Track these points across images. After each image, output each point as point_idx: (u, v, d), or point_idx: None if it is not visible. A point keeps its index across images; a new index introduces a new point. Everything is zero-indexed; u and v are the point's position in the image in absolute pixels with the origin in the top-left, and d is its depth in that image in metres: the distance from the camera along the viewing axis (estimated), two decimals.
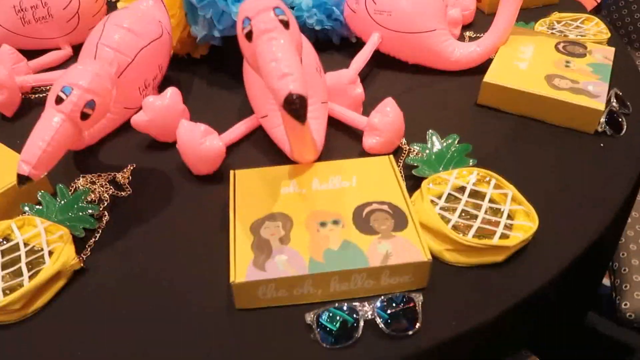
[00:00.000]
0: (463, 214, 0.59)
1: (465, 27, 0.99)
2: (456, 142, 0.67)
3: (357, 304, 0.51)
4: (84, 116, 0.53)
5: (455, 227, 0.57)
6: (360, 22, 0.87)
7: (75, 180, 0.68)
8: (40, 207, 0.61)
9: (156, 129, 0.71)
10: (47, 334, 0.51)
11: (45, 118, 0.51)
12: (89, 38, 0.71)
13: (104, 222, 0.63)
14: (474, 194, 0.61)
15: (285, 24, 0.49)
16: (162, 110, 0.69)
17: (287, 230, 0.55)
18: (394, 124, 0.67)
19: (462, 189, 0.62)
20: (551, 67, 0.79)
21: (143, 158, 0.72)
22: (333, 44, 0.95)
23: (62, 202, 0.62)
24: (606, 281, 0.98)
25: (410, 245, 0.53)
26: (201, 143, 0.64)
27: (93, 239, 0.60)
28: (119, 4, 0.88)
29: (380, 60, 0.87)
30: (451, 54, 0.84)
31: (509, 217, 0.59)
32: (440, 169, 0.65)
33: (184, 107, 0.72)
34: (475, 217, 0.59)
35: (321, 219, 0.56)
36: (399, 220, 0.56)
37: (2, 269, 0.54)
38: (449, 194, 0.61)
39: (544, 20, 0.96)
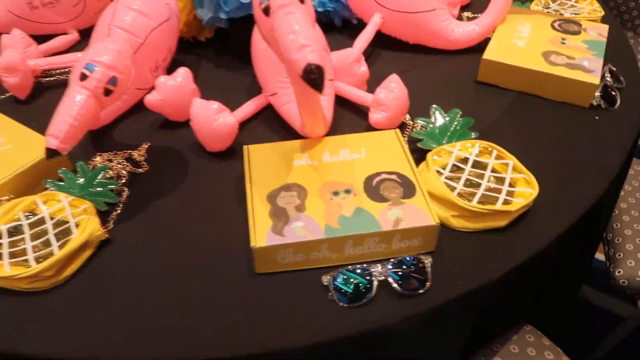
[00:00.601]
0: (467, 183, 0.62)
1: (464, 8, 1.01)
2: (458, 116, 0.70)
3: (370, 266, 0.54)
4: (107, 92, 0.55)
5: (460, 195, 0.60)
6: (362, 3, 0.89)
7: (93, 159, 0.70)
8: (62, 184, 0.64)
9: (169, 108, 0.73)
10: (77, 300, 0.54)
11: (70, 94, 0.54)
12: (100, 20, 0.73)
13: (124, 196, 0.65)
14: (477, 165, 0.65)
15: None
16: (175, 89, 0.72)
17: (302, 200, 0.58)
18: (399, 99, 0.70)
19: (465, 160, 0.65)
20: (547, 45, 0.82)
21: (157, 136, 0.74)
22: (335, 25, 0.97)
23: (83, 178, 0.64)
24: (599, 256, 1.03)
25: (419, 210, 0.56)
26: (215, 120, 0.67)
27: (115, 212, 0.63)
28: None
29: (382, 41, 0.90)
30: (451, 33, 0.87)
31: (510, 185, 0.62)
32: (444, 141, 0.68)
33: (195, 86, 0.74)
34: (479, 185, 0.62)
35: (334, 189, 0.59)
36: (408, 188, 0.59)
37: (32, 240, 0.56)
38: (453, 165, 0.64)
39: (540, 0, 0.99)
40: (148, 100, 0.72)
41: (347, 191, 0.59)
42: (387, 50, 0.91)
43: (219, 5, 0.82)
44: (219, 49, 0.93)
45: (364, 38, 0.84)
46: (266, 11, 0.50)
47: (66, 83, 0.57)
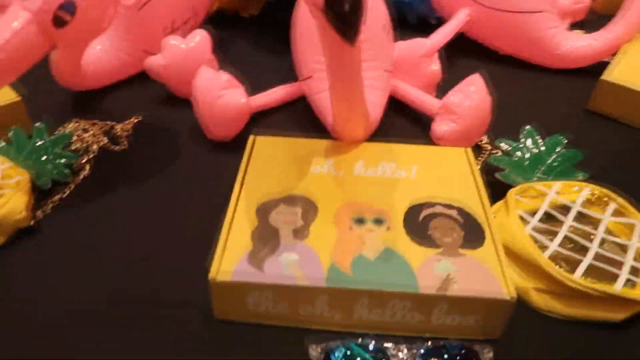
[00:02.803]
0: (567, 243, 0.40)
1: (574, 26, 0.79)
2: (562, 145, 0.48)
3: (390, 345, 0.34)
4: (59, 22, 0.39)
5: (553, 258, 0.38)
6: None
7: (66, 124, 0.54)
8: (9, 145, 0.48)
9: (173, 78, 0.57)
10: None
11: (6, 16, 0.38)
12: None
13: (81, 176, 0.49)
14: (583, 219, 0.43)
15: None
16: (184, 54, 0.55)
17: (308, 221, 0.38)
18: (478, 110, 0.49)
19: (565, 209, 0.43)
20: None
21: (153, 112, 0.58)
22: (406, 23, 0.78)
23: (37, 144, 0.48)
24: None
25: (486, 271, 0.35)
26: (219, 96, 0.49)
27: (60, 195, 0.46)
28: None
29: (463, 47, 0.70)
30: (558, 45, 0.66)
31: (636, 258, 0.40)
32: (536, 178, 0.47)
33: (212, 56, 0.57)
34: (585, 250, 0.40)
35: (359, 214, 0.39)
36: (472, 234, 0.38)
37: None
38: (546, 213, 0.43)
39: None
40: (148, 63, 0.56)
41: (378, 221, 0.39)
42: (469, 58, 0.71)
43: None
44: (263, 30, 0.77)
45: (444, 32, 0.65)
46: None
47: None
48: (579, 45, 0.66)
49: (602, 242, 0.41)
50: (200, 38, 0.57)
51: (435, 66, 0.58)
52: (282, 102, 0.57)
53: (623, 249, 0.40)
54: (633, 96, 0.57)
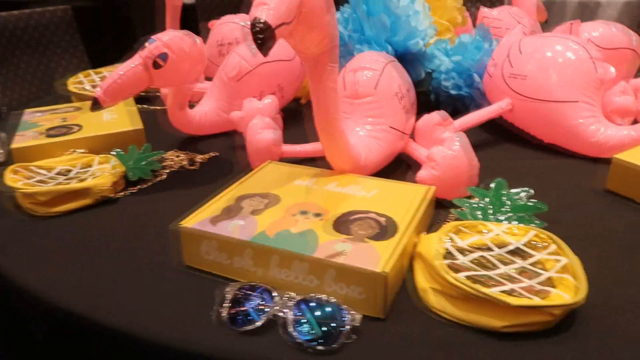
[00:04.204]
0: (482, 261, 0.44)
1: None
2: (528, 195, 0.53)
3: (276, 293, 0.42)
4: (156, 65, 0.61)
5: (456, 270, 0.43)
6: (494, 87, 0.79)
7: (168, 152, 0.77)
8: (123, 154, 0.71)
9: (245, 127, 0.76)
10: (57, 235, 0.57)
11: (130, 59, 0.62)
12: None
13: (158, 179, 0.68)
14: (515, 252, 0.46)
15: None
16: (256, 110, 0.75)
17: (266, 207, 0.50)
18: (456, 160, 0.57)
19: (504, 245, 0.47)
20: None
21: (229, 152, 0.77)
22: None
23: (141, 155, 0.71)
24: None
25: (375, 254, 0.42)
26: (259, 133, 0.66)
27: (139, 186, 0.66)
28: None
29: (512, 136, 0.77)
30: (592, 134, 0.69)
31: (548, 284, 0.42)
32: (491, 218, 0.51)
33: (279, 116, 0.76)
34: (494, 268, 0.43)
35: (306, 209, 0.50)
36: (384, 233, 0.45)
37: (65, 181, 0.64)
38: (484, 247, 0.47)
39: None
40: (232, 115, 0.76)
41: (317, 215, 0.49)
42: (509, 143, 0.77)
43: None
44: None
45: (476, 115, 0.73)
46: None
47: None
48: (617, 135, 0.68)
49: (519, 268, 0.44)
50: (270, 101, 0.75)
51: (446, 134, 0.66)
52: (310, 155, 0.71)
53: (534, 275, 0.43)
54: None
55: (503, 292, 0.40)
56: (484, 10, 1.11)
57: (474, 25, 1.08)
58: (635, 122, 0.76)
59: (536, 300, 0.39)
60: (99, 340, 0.45)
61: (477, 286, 0.40)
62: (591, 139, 0.69)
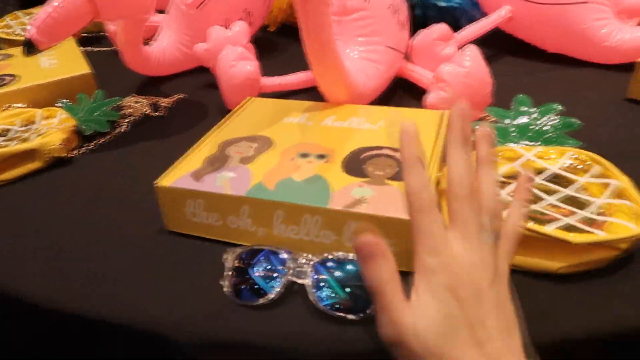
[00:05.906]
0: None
1: None
2: (555, 112, 0.46)
3: (285, 255, 0.35)
4: None
5: None
6: None
7: (125, 97, 0.66)
8: (73, 105, 0.60)
9: (213, 60, 0.65)
10: (2, 208, 0.47)
11: None
12: None
13: (117, 131, 0.58)
14: (557, 180, 0.40)
15: None
16: (224, 40, 0.64)
17: (258, 153, 0.42)
18: (469, 78, 0.49)
19: (541, 171, 0.40)
20: None
21: (196, 92, 0.67)
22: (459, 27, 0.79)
23: (93, 104, 0.60)
24: None
25: (401, 196, 0.35)
26: (232, 65, 0.56)
27: (97, 141, 0.56)
28: None
29: (513, 47, 0.69)
30: (606, 37, 0.62)
31: (602, 213, 0.36)
32: (522, 144, 0.44)
33: (250, 45, 0.65)
34: (539, 200, 0.37)
35: (306, 150, 0.42)
36: None
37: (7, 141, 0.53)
38: (516, 173, 0.40)
39: None
40: (195, 48, 0.65)
41: (321, 156, 0.41)
42: (513, 57, 0.69)
43: None
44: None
45: (475, 27, 0.65)
46: None
47: None
48: (632, 37, 0.61)
49: (566, 197, 0.37)
50: (239, 28, 0.65)
51: (449, 49, 0.58)
52: (294, 87, 0.62)
53: (584, 205, 0.36)
54: None
55: (560, 228, 0.34)
56: None
57: None
58: None
59: (601, 235, 0.33)
60: (60, 331, 0.37)
61: (534, 225, 0.33)
62: (603, 43, 0.62)
